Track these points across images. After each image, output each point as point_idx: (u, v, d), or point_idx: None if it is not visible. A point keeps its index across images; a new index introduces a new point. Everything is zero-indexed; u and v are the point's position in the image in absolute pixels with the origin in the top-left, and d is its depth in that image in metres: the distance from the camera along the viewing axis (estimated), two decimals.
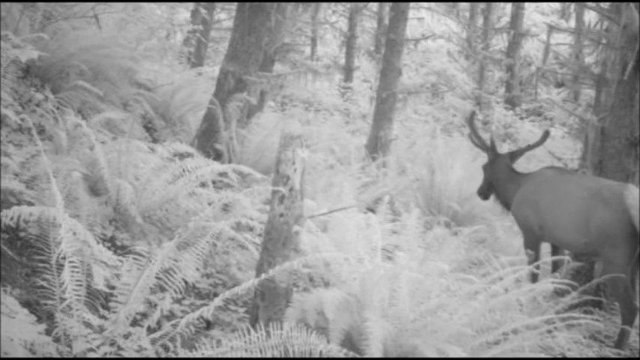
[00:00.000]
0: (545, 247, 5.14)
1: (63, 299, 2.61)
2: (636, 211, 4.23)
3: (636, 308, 4.29)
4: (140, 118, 6.18)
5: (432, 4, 16.55)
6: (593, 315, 4.37)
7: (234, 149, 6.16)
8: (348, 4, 14.02)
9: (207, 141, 6.04)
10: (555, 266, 4.79)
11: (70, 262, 2.60)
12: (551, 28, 10.13)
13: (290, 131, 3.17)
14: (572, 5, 14.02)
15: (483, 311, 3.35)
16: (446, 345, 3.03)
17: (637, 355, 4.26)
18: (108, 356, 2.63)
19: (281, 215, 3.18)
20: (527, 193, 5.03)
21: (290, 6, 8.68)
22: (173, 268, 3.08)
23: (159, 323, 2.95)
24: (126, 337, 2.77)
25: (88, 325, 2.73)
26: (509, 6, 15.40)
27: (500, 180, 5.43)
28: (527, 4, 15.29)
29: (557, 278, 3.98)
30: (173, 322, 2.76)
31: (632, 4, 5.11)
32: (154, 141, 5.99)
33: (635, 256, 4.31)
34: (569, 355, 3.64)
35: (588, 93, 11.71)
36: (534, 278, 4.38)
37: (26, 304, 2.89)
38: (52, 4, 5.52)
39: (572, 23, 15.18)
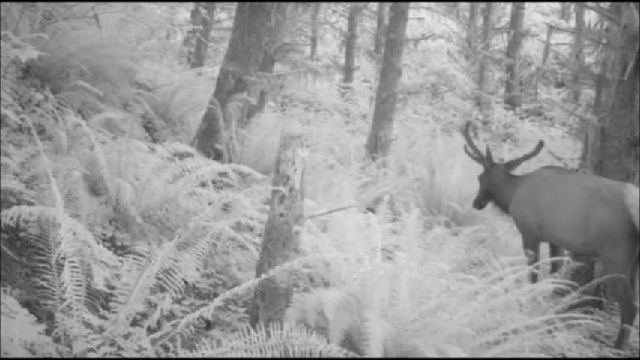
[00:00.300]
0: (545, 247, 5.13)
1: (63, 299, 2.61)
2: (636, 211, 4.23)
3: (636, 308, 4.29)
4: (140, 118, 6.18)
5: (432, 4, 16.56)
6: (593, 315, 4.37)
7: (234, 149, 6.16)
8: (348, 4, 14.03)
9: (207, 141, 6.04)
10: (554, 266, 4.79)
11: (70, 262, 2.60)
12: (551, 28, 10.15)
13: (290, 131, 3.17)
14: (572, 5, 14.02)
15: (483, 311, 3.35)
16: (446, 345, 3.03)
17: (637, 355, 4.26)
18: (108, 356, 2.63)
19: (281, 215, 3.18)
20: (526, 193, 5.02)
21: (290, 6, 8.69)
22: (173, 268, 3.08)
23: (159, 323, 2.95)
24: (126, 337, 2.76)
25: (88, 325, 2.73)
26: (509, 6, 15.40)
27: (497, 186, 5.39)
28: (527, 4, 15.30)
29: (557, 278, 3.98)
30: (173, 322, 2.76)
31: (632, 4, 5.11)
32: (154, 141, 5.99)
33: (635, 255, 4.31)
34: (569, 355, 3.65)
35: (588, 93, 11.72)
36: (534, 278, 4.39)
37: (26, 304, 2.89)
38: (52, 4, 5.52)
39: (572, 23, 15.19)
